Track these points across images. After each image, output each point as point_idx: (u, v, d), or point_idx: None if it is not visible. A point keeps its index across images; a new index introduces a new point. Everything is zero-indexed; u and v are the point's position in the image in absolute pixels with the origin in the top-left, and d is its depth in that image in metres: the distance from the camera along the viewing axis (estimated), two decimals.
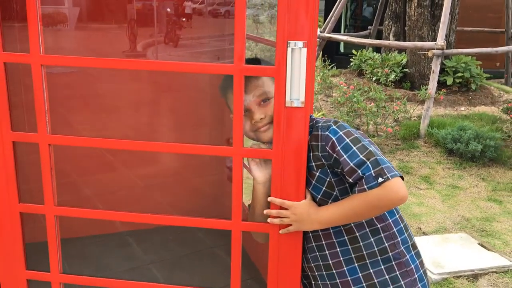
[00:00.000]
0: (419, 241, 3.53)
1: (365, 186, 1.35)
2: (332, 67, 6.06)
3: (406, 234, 1.52)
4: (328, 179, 1.45)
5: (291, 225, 1.43)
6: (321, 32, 5.87)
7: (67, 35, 2.65)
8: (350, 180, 1.38)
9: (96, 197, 2.78)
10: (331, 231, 1.49)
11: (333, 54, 9.71)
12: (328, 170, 1.44)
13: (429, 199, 4.22)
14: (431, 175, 4.61)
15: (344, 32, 10.70)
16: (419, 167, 4.71)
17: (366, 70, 6.44)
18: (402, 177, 1.40)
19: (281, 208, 1.43)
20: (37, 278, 1.65)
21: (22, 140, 1.57)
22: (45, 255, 1.60)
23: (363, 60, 6.63)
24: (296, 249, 1.50)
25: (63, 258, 2.05)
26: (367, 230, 1.48)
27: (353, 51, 7.08)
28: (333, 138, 1.40)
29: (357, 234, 1.47)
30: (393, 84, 6.33)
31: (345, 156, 1.38)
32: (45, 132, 1.49)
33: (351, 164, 1.37)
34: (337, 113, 5.15)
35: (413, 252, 1.52)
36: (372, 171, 1.35)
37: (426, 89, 5.20)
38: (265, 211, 1.45)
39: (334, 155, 1.40)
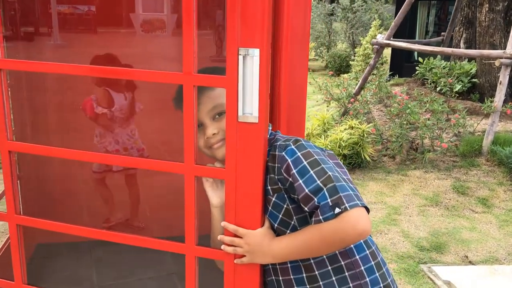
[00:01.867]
0: (463, 270, 3.18)
1: (321, 217, 1.17)
2: (391, 75, 5.71)
3: (378, 274, 1.30)
4: (285, 206, 1.27)
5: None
6: (384, 38, 5.55)
7: (164, 41, 2.76)
8: (306, 208, 1.20)
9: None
10: (289, 265, 1.31)
11: (402, 62, 9.25)
12: (285, 196, 1.27)
13: (483, 224, 3.80)
14: (490, 197, 4.16)
15: (424, 38, 10.14)
16: (477, 188, 4.27)
17: (430, 79, 6.01)
18: (366, 208, 1.19)
19: (235, 235, 1.28)
20: (2, 285, 1.62)
21: None
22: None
23: (428, 68, 6.20)
24: (253, 282, 1.33)
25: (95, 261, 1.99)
26: (329, 268, 1.28)
27: (420, 59, 6.65)
28: (289, 160, 1.23)
29: (317, 272, 1.28)
30: (458, 95, 5.84)
31: (300, 181, 1.20)
32: (5, 139, 1.44)
33: (306, 191, 1.19)
34: (391, 124, 4.83)
35: None
36: (328, 200, 1.16)
37: (491, 102, 4.72)
38: (219, 237, 1.30)
39: (290, 179, 1.22)
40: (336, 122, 4.86)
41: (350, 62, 9.12)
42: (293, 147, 1.25)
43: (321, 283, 1.27)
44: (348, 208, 1.14)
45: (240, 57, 1.19)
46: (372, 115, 5.14)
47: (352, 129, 4.51)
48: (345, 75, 7.44)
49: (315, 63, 12.04)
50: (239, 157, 1.25)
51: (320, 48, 11.56)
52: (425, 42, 7.85)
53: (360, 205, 1.17)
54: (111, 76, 1.33)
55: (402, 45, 5.20)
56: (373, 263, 1.30)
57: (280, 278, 1.32)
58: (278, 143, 1.28)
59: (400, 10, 5.32)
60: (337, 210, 1.15)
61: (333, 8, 11.67)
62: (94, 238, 1.43)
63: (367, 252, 1.30)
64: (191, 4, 1.18)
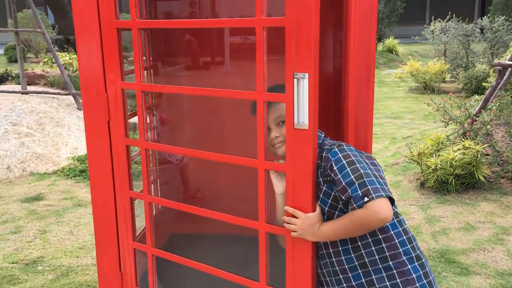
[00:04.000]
0: None
1: (354, 205, 1.52)
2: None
3: (409, 246, 1.61)
4: (333, 193, 1.65)
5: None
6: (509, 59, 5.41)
7: None
8: (343, 197, 1.56)
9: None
10: (337, 240, 1.67)
11: None
12: (332, 186, 1.64)
13: None
14: None
15: None
16: None
17: None
18: (391, 198, 1.51)
19: (293, 216, 1.68)
20: (139, 247, 2.20)
21: (131, 144, 2.15)
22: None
23: None
24: (307, 252, 1.72)
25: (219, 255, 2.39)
26: (369, 240, 1.62)
27: None
28: (332, 159, 1.61)
29: (359, 243, 1.63)
30: None
31: (339, 176, 1.57)
32: (143, 140, 2.04)
33: (343, 183, 1.55)
34: None
35: (416, 263, 1.61)
36: (359, 191, 1.51)
37: None
38: (283, 218, 1.71)
39: (332, 174, 1.60)
40: (452, 142, 4.89)
41: (483, 84, 8.76)
42: (336, 149, 1.63)
43: (363, 251, 1.62)
44: (374, 198, 1.48)
45: (295, 80, 1.62)
46: (494, 137, 5.06)
47: (466, 149, 4.54)
48: (476, 97, 7.25)
49: (450, 85, 11.68)
50: (295, 155, 1.66)
51: (456, 70, 11.21)
52: None
53: (385, 195, 1.49)
54: (197, 94, 1.84)
55: None
56: (404, 237, 1.62)
57: (331, 250, 1.68)
58: (326, 147, 1.67)
59: None
60: (366, 199, 1.49)
61: (471, 28, 11.27)
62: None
63: (400, 229, 1.63)
64: (261, 38, 1.64)
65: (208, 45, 3.17)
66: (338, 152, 1.62)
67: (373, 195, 1.49)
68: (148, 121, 2.90)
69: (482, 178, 4.49)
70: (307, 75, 1.60)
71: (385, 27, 18.83)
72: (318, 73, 1.63)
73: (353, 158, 1.59)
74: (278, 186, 1.78)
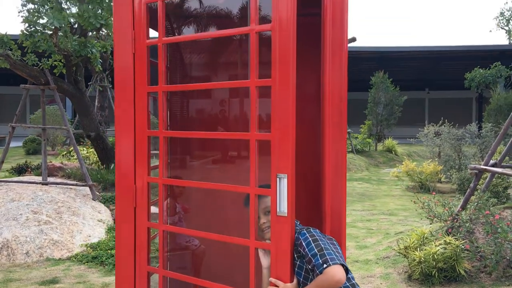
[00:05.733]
0: None
1: (317, 271, 2.03)
2: (489, 197, 6.04)
3: None
4: (305, 267, 2.15)
5: None
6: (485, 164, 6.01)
7: None
8: (309, 266, 2.07)
9: None
10: None
11: None
12: (304, 260, 2.15)
13: None
14: None
15: None
16: None
17: None
18: (344, 265, 2.02)
19: (275, 285, 2.16)
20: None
21: (151, 227, 2.67)
22: None
23: None
24: None
25: None
26: None
27: None
28: (301, 238, 2.15)
29: None
30: None
31: (307, 250, 2.10)
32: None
33: (309, 255, 2.08)
34: (490, 242, 5.14)
35: None
36: (320, 261, 2.03)
37: None
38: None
39: (301, 250, 2.12)
40: (436, 238, 5.34)
41: (471, 185, 9.31)
42: (305, 231, 2.17)
43: None
44: (331, 264, 1.99)
45: (278, 179, 2.19)
46: (476, 233, 5.50)
47: (447, 244, 4.98)
48: (459, 196, 7.75)
49: (446, 185, 12.24)
50: (277, 236, 2.19)
51: (450, 171, 11.85)
52: None
53: (339, 263, 2.00)
54: (203, 187, 2.41)
55: (498, 171, 5.63)
56: None
57: None
58: (298, 230, 2.21)
59: (496, 140, 5.80)
60: (325, 265, 2.01)
61: (461, 133, 12.09)
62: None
63: (347, 284, 2.11)
64: (253, 148, 2.24)
65: (221, 145, 3.76)
66: (306, 233, 2.16)
67: (330, 263, 2.01)
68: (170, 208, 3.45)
69: (462, 272, 4.88)
70: (286, 175, 2.18)
71: (384, 128, 19.86)
72: (294, 174, 2.21)
73: (317, 237, 2.13)
74: (264, 261, 2.29)
